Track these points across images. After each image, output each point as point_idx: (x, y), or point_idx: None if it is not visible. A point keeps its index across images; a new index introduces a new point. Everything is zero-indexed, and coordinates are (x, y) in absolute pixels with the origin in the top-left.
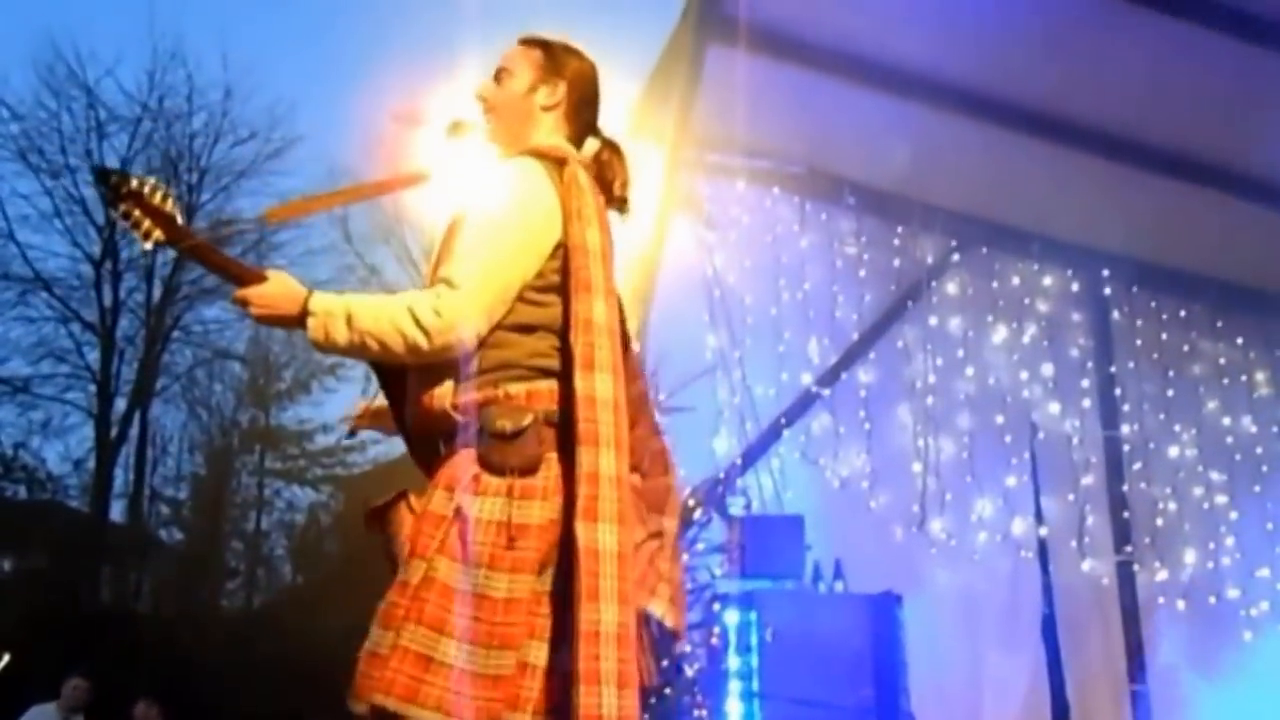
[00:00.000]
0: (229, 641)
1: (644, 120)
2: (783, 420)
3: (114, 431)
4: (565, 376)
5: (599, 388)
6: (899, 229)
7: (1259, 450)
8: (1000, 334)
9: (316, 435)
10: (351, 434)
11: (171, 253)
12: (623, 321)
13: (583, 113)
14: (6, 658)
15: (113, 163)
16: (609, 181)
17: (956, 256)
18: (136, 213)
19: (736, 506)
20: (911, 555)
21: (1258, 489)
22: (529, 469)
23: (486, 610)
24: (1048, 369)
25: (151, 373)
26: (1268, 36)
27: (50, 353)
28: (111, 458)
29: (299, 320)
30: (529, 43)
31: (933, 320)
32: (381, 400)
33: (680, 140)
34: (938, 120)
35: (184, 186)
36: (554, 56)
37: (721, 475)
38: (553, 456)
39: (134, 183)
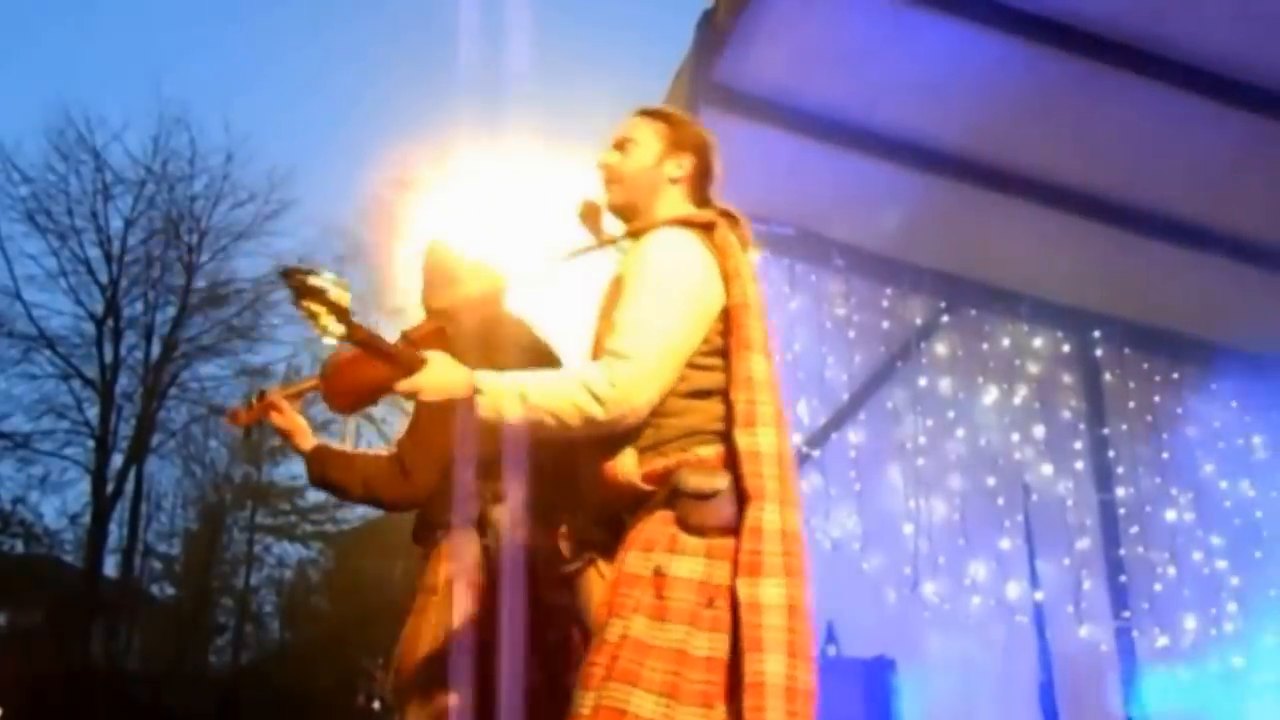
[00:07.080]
0: (217, 699)
1: None
2: None
3: (110, 487)
4: (728, 434)
5: (761, 442)
6: (888, 290)
7: (1259, 514)
8: (991, 395)
9: (308, 492)
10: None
11: (171, 310)
12: None
13: (704, 184)
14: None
15: (116, 224)
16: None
17: (946, 318)
18: (321, 310)
19: None
20: (905, 619)
21: (1259, 554)
22: (726, 530)
23: (688, 667)
24: (1039, 431)
25: (148, 429)
26: (1251, 100)
27: (51, 409)
28: (107, 513)
29: (468, 400)
30: (650, 114)
31: (922, 381)
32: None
33: None
34: (925, 183)
35: (184, 247)
36: (678, 129)
37: None
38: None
39: (312, 280)
